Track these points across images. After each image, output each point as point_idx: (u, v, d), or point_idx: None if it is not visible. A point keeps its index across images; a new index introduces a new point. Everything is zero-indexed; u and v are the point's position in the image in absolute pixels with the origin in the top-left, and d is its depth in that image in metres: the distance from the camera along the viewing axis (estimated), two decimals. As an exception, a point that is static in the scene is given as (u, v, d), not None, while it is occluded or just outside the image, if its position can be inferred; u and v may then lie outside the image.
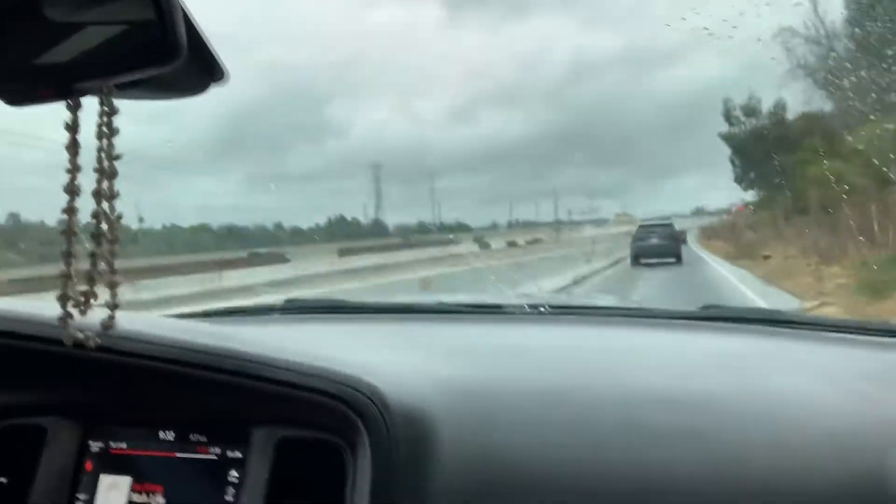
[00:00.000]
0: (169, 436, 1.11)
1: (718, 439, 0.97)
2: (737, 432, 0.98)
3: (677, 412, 1.02)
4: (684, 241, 28.38)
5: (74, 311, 0.77)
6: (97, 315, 0.77)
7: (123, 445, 1.12)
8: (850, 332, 1.44)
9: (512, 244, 31.91)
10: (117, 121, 0.75)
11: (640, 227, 25.27)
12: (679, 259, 22.90)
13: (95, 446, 1.13)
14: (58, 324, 0.77)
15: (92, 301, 0.76)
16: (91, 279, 0.75)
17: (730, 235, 26.56)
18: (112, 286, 0.75)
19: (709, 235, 34.09)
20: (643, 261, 22.75)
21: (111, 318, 0.77)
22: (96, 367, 1.07)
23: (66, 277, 0.75)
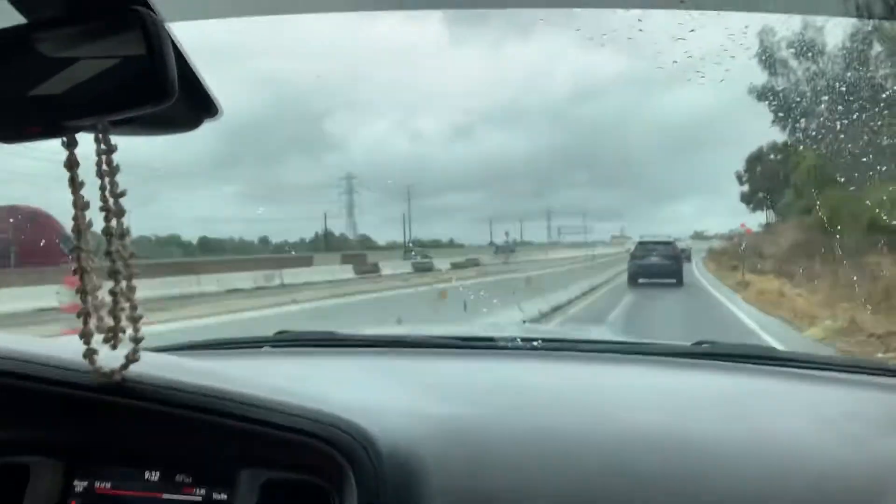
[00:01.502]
0: (154, 476, 1.09)
1: (706, 482, 0.96)
2: (725, 476, 0.97)
3: (664, 454, 1.01)
4: (687, 259, 26.96)
5: (103, 346, 0.76)
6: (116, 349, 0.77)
7: (108, 485, 1.10)
8: (845, 372, 1.44)
9: (457, 265, 28.52)
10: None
11: (639, 244, 23.35)
12: (680, 281, 21.39)
13: (80, 486, 1.11)
14: (83, 360, 0.76)
15: (121, 335, 0.76)
16: (117, 316, 0.75)
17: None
18: (135, 321, 0.75)
19: (718, 260, 28.80)
20: (641, 281, 21.45)
21: (135, 351, 0.76)
22: (81, 405, 1.06)
23: (86, 314, 0.75)
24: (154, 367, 1.10)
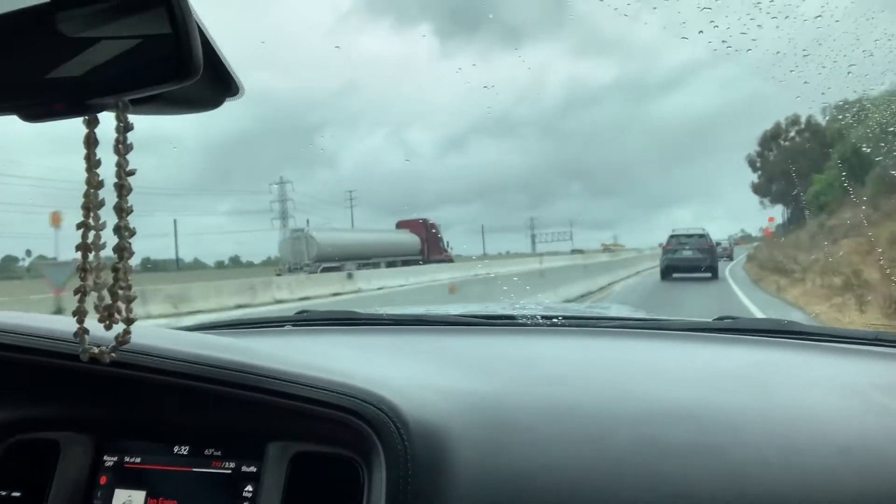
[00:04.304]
0: (183, 450, 1.10)
1: (733, 455, 0.96)
2: (752, 447, 0.97)
3: (691, 427, 1.01)
4: (730, 258, 25.54)
5: (97, 326, 0.77)
6: (111, 329, 0.77)
7: (138, 460, 1.12)
8: (867, 344, 1.43)
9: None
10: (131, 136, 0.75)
11: (671, 237, 22.90)
12: (715, 275, 20.64)
13: (110, 461, 1.13)
14: (72, 339, 0.77)
15: (116, 315, 0.76)
16: (115, 294, 0.75)
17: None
18: (128, 301, 0.75)
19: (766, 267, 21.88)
20: (675, 275, 20.99)
21: (126, 332, 0.77)
22: (110, 381, 1.07)
23: (82, 292, 0.75)
24: (176, 342, 1.11)
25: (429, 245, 35.80)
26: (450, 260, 33.89)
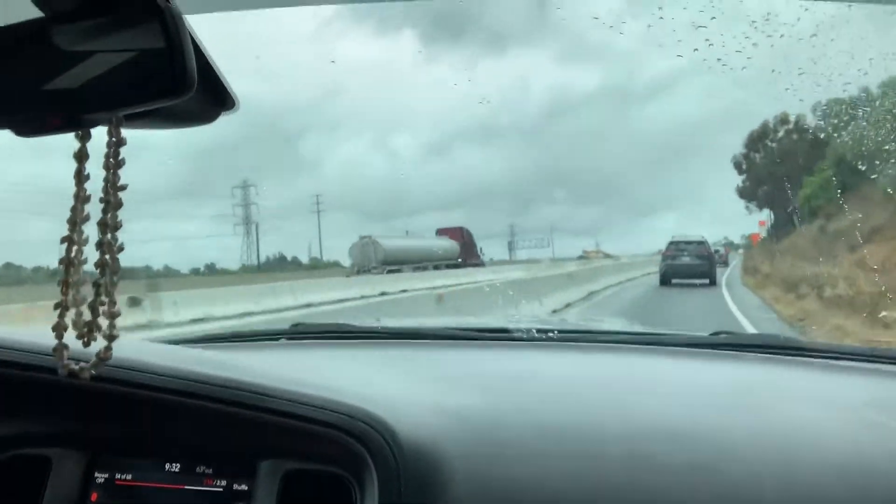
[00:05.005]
0: (175, 468, 1.09)
1: (727, 473, 0.95)
2: (747, 465, 0.96)
3: (684, 445, 1.00)
4: (725, 264, 25.90)
5: (76, 343, 0.75)
6: (89, 346, 0.76)
7: (129, 477, 1.11)
8: (863, 361, 1.42)
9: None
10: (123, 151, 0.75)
11: (671, 243, 23.13)
12: (713, 281, 20.74)
13: (101, 477, 1.12)
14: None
15: (95, 332, 0.75)
16: (94, 310, 0.74)
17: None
18: (111, 317, 0.74)
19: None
20: (674, 281, 21.14)
21: (108, 349, 0.75)
22: (98, 397, 1.07)
23: (63, 307, 0.74)
24: (168, 358, 1.10)
25: (466, 250, 40.08)
26: (482, 264, 37.50)
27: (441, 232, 42.06)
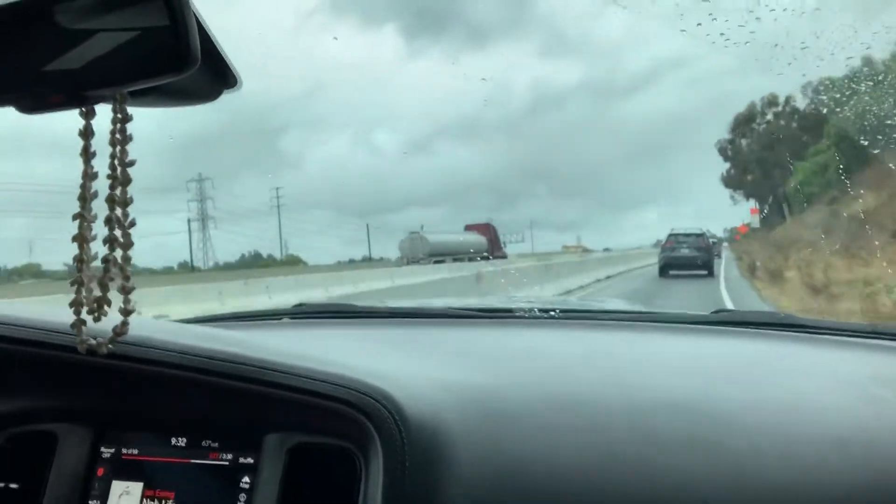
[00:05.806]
0: (181, 442, 1.11)
1: (729, 447, 0.96)
2: (748, 440, 0.97)
3: (688, 420, 1.01)
4: (718, 255, 26.31)
5: (88, 318, 0.76)
6: (110, 320, 0.77)
7: (135, 451, 1.12)
8: (864, 336, 1.43)
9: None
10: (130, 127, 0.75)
11: (670, 235, 23.91)
12: (711, 272, 21.21)
13: (107, 452, 1.13)
14: (70, 330, 0.77)
15: (106, 307, 0.76)
16: (104, 285, 0.75)
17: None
18: (126, 292, 0.75)
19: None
20: (672, 272, 21.58)
21: (124, 324, 0.77)
22: (107, 373, 1.07)
23: (79, 283, 0.75)
24: (175, 334, 1.11)
25: (492, 244, 44.22)
26: (505, 256, 40.64)
27: (469, 228, 46.62)
